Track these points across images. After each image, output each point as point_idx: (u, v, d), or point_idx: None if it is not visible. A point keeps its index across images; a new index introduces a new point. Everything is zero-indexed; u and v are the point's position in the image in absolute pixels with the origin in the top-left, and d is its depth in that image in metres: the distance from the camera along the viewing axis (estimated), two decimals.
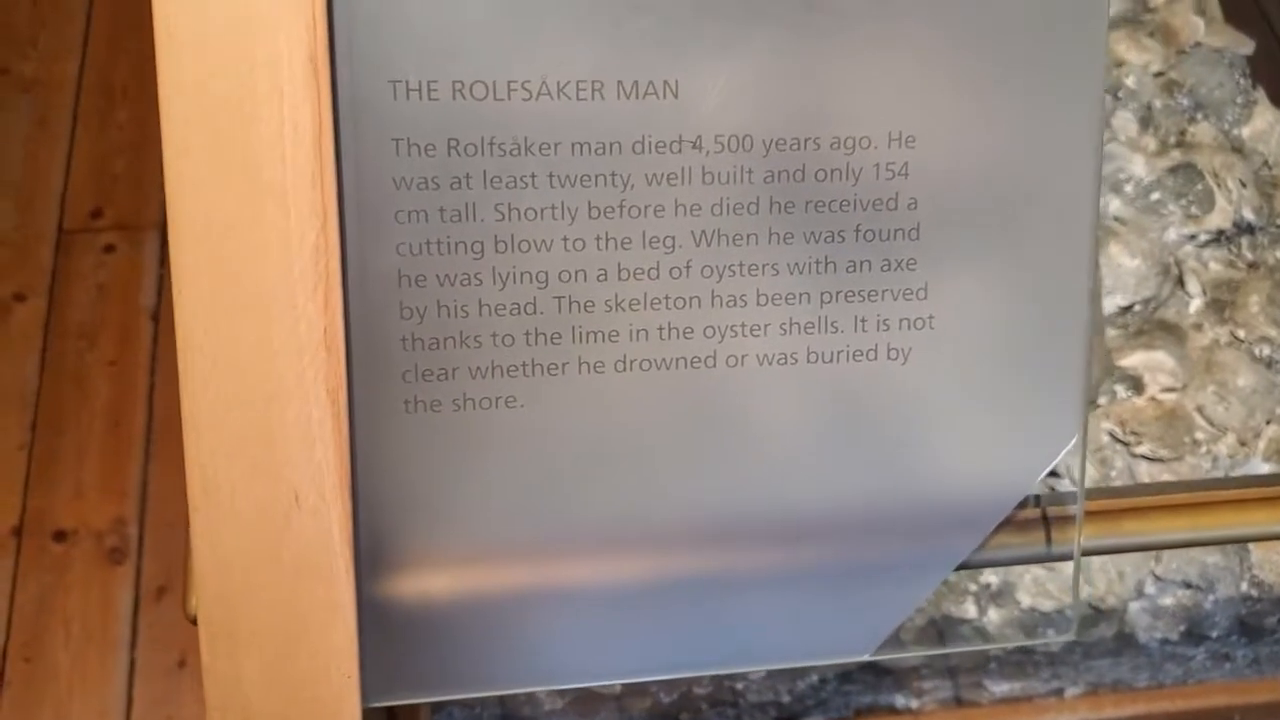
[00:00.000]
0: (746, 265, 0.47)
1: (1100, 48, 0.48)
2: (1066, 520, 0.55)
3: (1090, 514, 0.58)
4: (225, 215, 0.42)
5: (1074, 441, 0.51)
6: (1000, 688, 0.92)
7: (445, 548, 0.47)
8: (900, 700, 0.91)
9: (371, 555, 0.46)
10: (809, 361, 0.48)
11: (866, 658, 0.50)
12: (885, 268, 0.48)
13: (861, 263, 0.47)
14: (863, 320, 0.48)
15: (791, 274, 0.47)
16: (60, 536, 1.33)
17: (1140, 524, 0.58)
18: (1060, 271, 0.49)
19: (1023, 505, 0.56)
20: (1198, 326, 0.96)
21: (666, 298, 0.47)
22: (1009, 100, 0.47)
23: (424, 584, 0.47)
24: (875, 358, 0.48)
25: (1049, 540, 0.56)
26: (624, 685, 0.80)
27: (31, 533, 1.33)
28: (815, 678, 0.86)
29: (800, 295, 0.47)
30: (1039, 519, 0.56)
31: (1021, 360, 0.50)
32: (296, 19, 0.41)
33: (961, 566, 0.54)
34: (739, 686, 0.84)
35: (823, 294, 0.47)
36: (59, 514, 1.35)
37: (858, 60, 0.46)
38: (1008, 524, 0.55)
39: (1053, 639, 0.54)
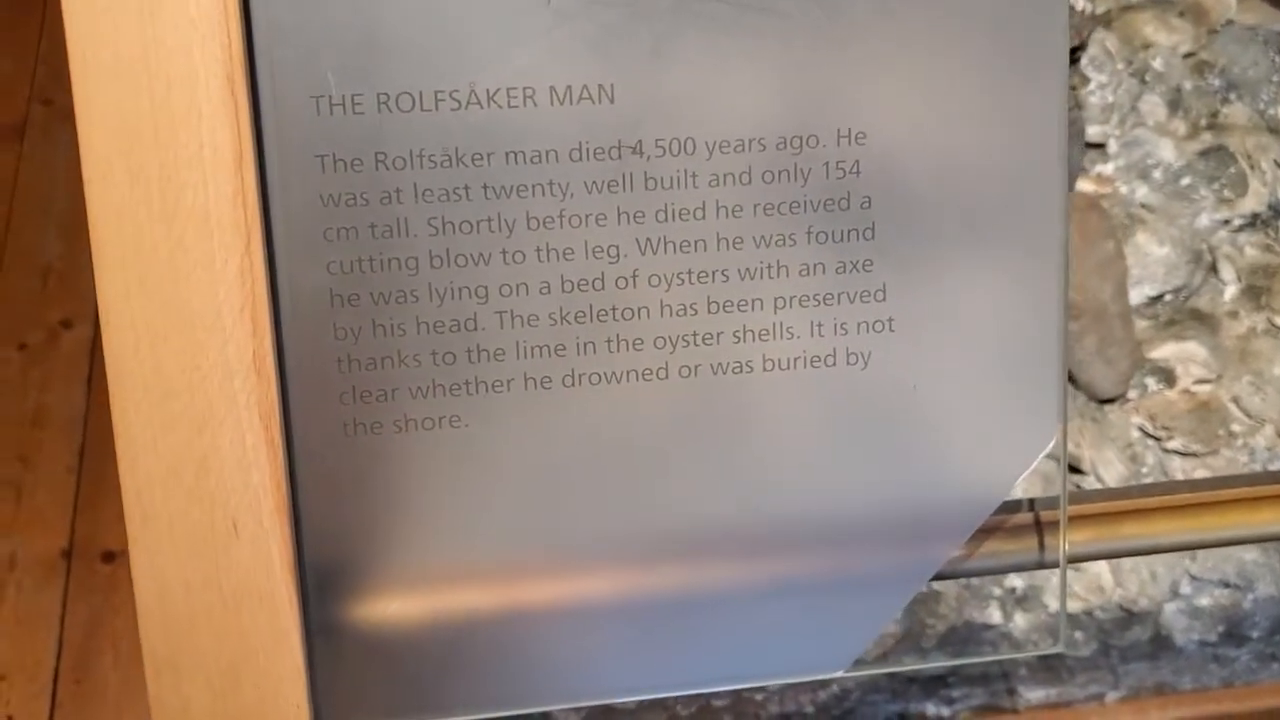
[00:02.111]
0: (695, 273, 0.45)
1: (1062, 33, 0.46)
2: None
3: (1088, 517, 0.55)
4: (147, 239, 0.41)
5: (1052, 443, 0.49)
6: (1035, 694, 0.89)
7: (397, 572, 0.46)
8: (931, 708, 0.88)
9: (321, 582, 0.45)
10: (765, 370, 0.46)
11: (840, 674, 0.48)
12: (840, 270, 0.46)
13: (815, 265, 0.46)
14: (819, 325, 0.46)
15: (742, 280, 0.45)
16: (109, 557, 1.35)
17: (1141, 526, 0.55)
18: (1030, 267, 0.47)
19: (1015, 509, 0.53)
20: (1232, 314, 0.92)
21: (613, 309, 0.45)
22: (965, 91, 0.45)
23: (378, 609, 0.46)
24: (834, 363, 0.46)
25: (1042, 546, 0.54)
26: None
27: (81, 554, 1.35)
28: (837, 688, 0.84)
29: (752, 302, 0.46)
30: (1031, 524, 0.54)
31: (991, 361, 0.48)
32: (211, 38, 0.40)
33: (947, 576, 0.52)
34: (759, 698, 0.82)
35: (776, 299, 0.46)
36: (107, 535, 1.36)
37: (802, 57, 0.44)
38: (998, 530, 0.53)
39: (1041, 651, 0.52)
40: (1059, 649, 0.46)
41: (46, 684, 1.24)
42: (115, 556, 1.33)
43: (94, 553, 1.33)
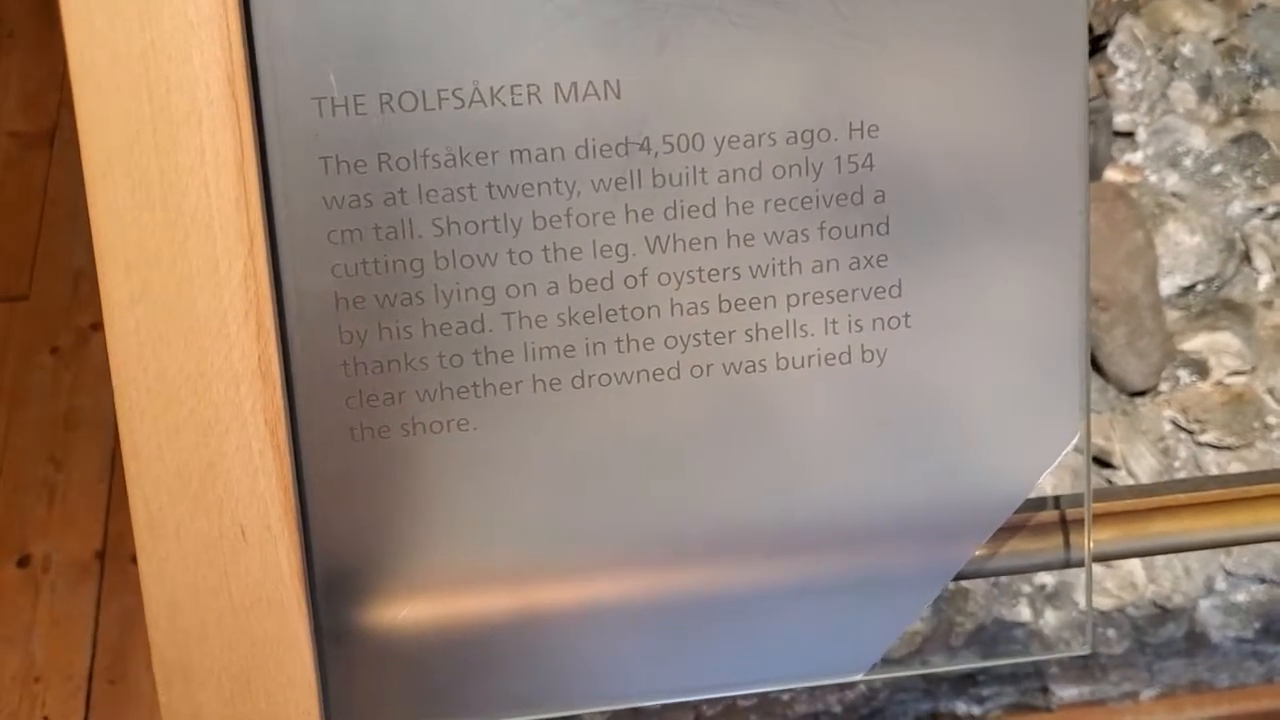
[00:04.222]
0: (705, 271, 0.45)
1: (1080, 18, 0.44)
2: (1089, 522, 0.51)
3: (1116, 514, 0.54)
4: (150, 245, 0.41)
5: (1075, 440, 0.47)
6: (1068, 692, 0.88)
7: (407, 576, 0.45)
8: (962, 707, 0.87)
9: (331, 587, 0.45)
10: (779, 368, 0.45)
11: (859, 677, 0.47)
12: (854, 266, 0.45)
13: (828, 262, 0.45)
14: (833, 322, 0.45)
15: (754, 277, 0.45)
16: None
17: (1171, 523, 0.54)
18: (1050, 259, 0.46)
19: (1040, 507, 0.52)
20: (1267, 304, 0.90)
21: (622, 309, 0.44)
22: (979, 80, 0.44)
23: (389, 614, 0.46)
24: (849, 361, 0.46)
25: (1068, 544, 0.53)
26: None
27: (113, 556, 1.36)
28: (865, 687, 0.83)
29: (765, 299, 0.45)
30: (1057, 521, 0.53)
31: (1011, 355, 0.47)
32: (211, 41, 0.40)
33: (970, 575, 0.51)
34: (786, 697, 0.81)
35: (789, 297, 0.45)
36: None
37: (811, 49, 0.43)
38: (1023, 528, 0.52)
39: (1069, 652, 0.51)
40: (1085, 650, 0.45)
41: (81, 685, 1.25)
42: None
43: (126, 554, 1.34)
